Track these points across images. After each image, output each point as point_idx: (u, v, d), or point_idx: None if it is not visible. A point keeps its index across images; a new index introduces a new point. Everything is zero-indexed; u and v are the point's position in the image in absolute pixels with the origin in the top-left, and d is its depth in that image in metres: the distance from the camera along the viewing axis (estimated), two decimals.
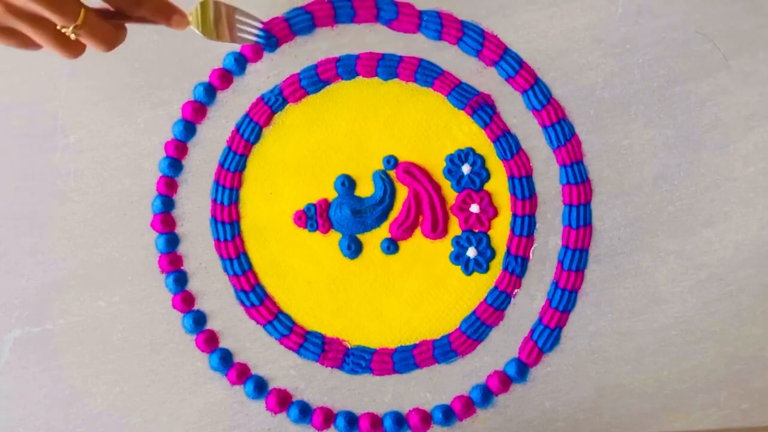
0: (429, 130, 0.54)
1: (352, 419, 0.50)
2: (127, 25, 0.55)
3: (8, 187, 0.53)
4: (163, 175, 0.53)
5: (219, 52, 0.54)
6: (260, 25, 0.52)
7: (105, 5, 0.40)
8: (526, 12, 0.55)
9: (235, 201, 0.53)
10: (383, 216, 0.53)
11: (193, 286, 0.52)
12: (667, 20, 0.56)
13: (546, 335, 0.52)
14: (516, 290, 0.52)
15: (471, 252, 0.52)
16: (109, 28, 0.39)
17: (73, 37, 0.38)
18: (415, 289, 0.52)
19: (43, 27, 0.37)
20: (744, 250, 0.53)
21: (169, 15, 0.41)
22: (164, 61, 0.54)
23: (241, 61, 0.54)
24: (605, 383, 0.51)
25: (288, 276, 0.52)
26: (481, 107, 0.54)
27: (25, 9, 0.35)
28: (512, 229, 0.53)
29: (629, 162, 0.54)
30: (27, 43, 0.39)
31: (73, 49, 0.39)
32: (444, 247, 0.53)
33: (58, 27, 0.37)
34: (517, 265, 0.53)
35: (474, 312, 0.52)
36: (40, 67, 0.54)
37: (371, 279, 0.52)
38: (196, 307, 0.52)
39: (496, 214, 0.53)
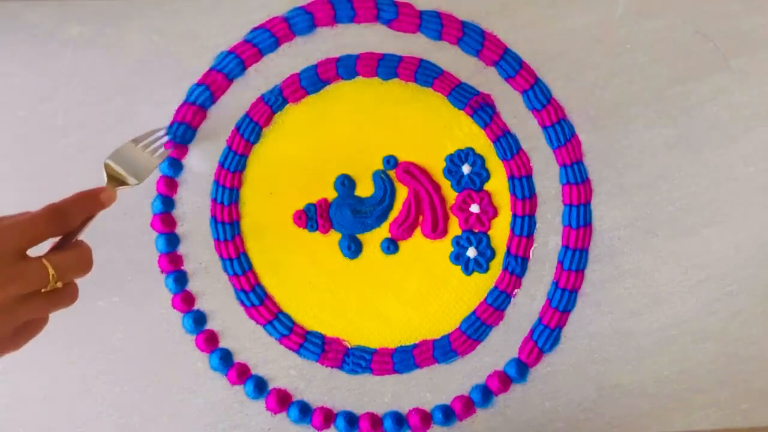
0: (429, 130, 0.54)
1: (352, 419, 0.50)
2: (126, 23, 0.55)
3: (8, 187, 0.53)
4: (163, 175, 0.53)
5: (216, 53, 0.54)
6: (164, 133, 0.52)
7: (46, 241, 0.39)
8: (526, 12, 0.55)
9: (235, 201, 0.53)
10: (383, 216, 0.53)
11: (193, 286, 0.52)
12: (667, 20, 0.56)
13: (546, 335, 0.52)
14: (516, 290, 0.53)
15: (471, 252, 0.52)
16: (75, 252, 0.39)
17: (60, 285, 0.37)
18: (415, 289, 0.52)
19: (36, 299, 0.36)
20: (744, 250, 0.53)
21: (97, 199, 0.41)
22: (164, 61, 0.54)
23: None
24: (605, 383, 0.51)
25: (288, 276, 0.52)
26: (481, 107, 0.54)
27: (10, 298, 0.35)
28: (512, 229, 0.53)
29: (629, 162, 0.54)
30: (38, 324, 0.38)
31: (70, 293, 0.39)
32: (444, 247, 0.53)
33: (42, 290, 0.37)
34: (517, 265, 0.53)
35: (474, 312, 0.52)
36: (40, 67, 0.54)
37: (371, 279, 0.52)
38: (196, 307, 0.52)
39: (496, 214, 0.53)
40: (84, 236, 0.53)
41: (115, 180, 0.45)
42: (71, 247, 0.39)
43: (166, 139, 0.51)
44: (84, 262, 0.39)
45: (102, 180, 0.45)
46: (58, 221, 0.39)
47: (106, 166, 0.45)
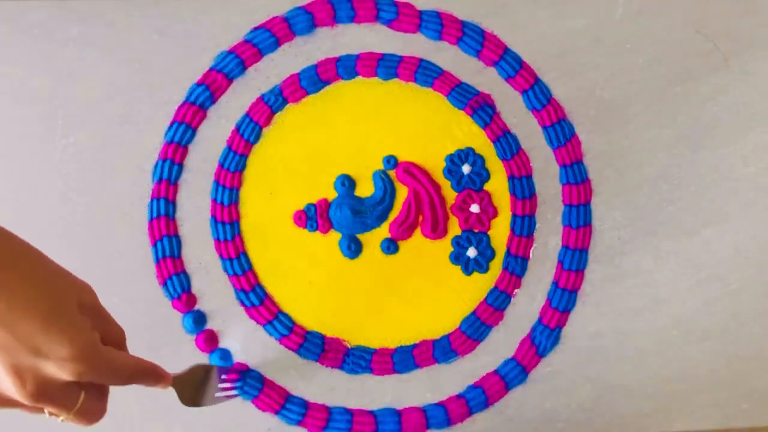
0: (429, 130, 0.54)
1: (350, 418, 0.50)
2: (126, 23, 0.55)
3: (8, 187, 0.53)
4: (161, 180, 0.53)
5: (216, 53, 0.54)
6: (238, 381, 0.50)
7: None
8: (526, 12, 0.55)
9: (235, 201, 0.53)
10: (383, 216, 0.53)
11: (193, 286, 0.52)
12: (667, 20, 0.56)
13: (546, 335, 0.52)
14: (516, 290, 0.53)
15: (471, 252, 0.52)
16: (101, 407, 0.36)
17: (60, 420, 0.34)
18: (415, 289, 0.52)
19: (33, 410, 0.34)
20: (744, 250, 0.53)
21: (157, 381, 0.40)
22: (164, 61, 0.54)
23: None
24: (605, 383, 0.51)
25: (288, 276, 0.52)
26: (481, 107, 0.54)
27: (27, 393, 0.32)
28: (512, 229, 0.53)
29: (629, 162, 0.54)
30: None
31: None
32: (444, 247, 0.53)
33: (47, 414, 0.34)
34: (517, 265, 0.53)
35: (474, 312, 0.52)
36: (40, 67, 0.54)
37: (371, 279, 0.52)
38: (196, 307, 0.52)
39: (496, 214, 0.53)
40: (84, 236, 0.53)
41: (179, 382, 0.43)
42: (102, 398, 0.36)
43: (235, 392, 0.50)
44: (101, 413, 0.36)
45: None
46: (125, 379, 0.37)
47: (180, 378, 0.43)
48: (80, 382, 0.33)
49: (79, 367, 0.32)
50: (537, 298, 0.52)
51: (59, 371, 0.32)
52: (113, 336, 0.38)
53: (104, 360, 0.34)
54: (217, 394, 0.47)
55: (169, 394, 0.50)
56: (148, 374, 0.39)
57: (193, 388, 0.45)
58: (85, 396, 0.34)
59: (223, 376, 0.48)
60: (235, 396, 0.50)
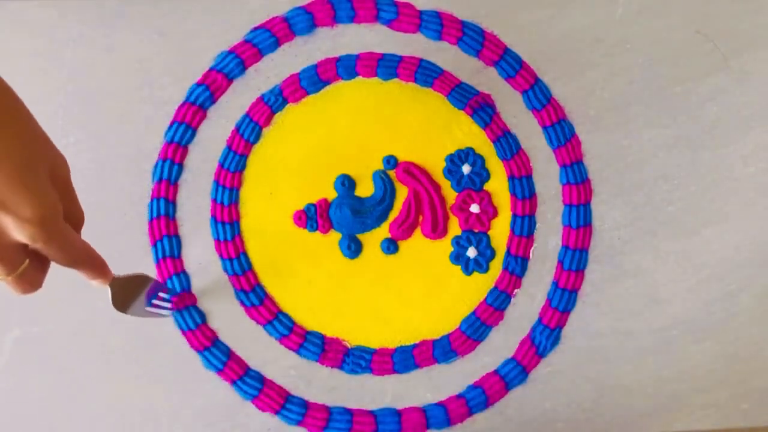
0: (429, 130, 0.54)
1: (350, 418, 0.50)
2: (126, 23, 0.55)
3: None
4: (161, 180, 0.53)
5: (216, 53, 0.54)
6: (170, 301, 0.50)
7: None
8: (526, 12, 0.55)
9: (235, 201, 0.53)
10: (383, 216, 0.53)
11: (193, 286, 0.52)
12: (667, 20, 0.56)
13: (546, 335, 0.52)
14: (516, 290, 0.53)
15: (471, 252, 0.52)
16: (40, 279, 0.35)
17: None
18: (415, 289, 0.52)
19: None
20: (744, 250, 0.53)
21: (98, 274, 0.39)
22: (164, 61, 0.54)
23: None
24: (605, 383, 0.51)
25: (288, 276, 0.52)
26: (481, 107, 0.54)
27: None
28: (512, 229, 0.53)
29: (629, 162, 0.54)
30: None
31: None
32: (444, 247, 0.53)
33: None
34: (517, 265, 0.53)
35: (474, 312, 0.52)
36: (40, 67, 0.54)
37: (371, 279, 0.52)
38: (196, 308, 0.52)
39: (496, 214, 0.53)
40: (84, 236, 0.53)
41: (117, 284, 0.43)
42: (42, 272, 0.36)
43: (168, 312, 0.50)
44: (39, 284, 0.36)
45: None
46: (80, 263, 0.37)
47: (119, 280, 0.43)
48: (28, 248, 0.33)
49: (37, 231, 0.31)
50: (537, 298, 0.52)
51: (15, 230, 0.31)
52: (74, 216, 0.37)
53: (61, 233, 0.33)
54: (149, 308, 0.47)
55: (172, 394, 0.51)
56: (94, 264, 0.38)
57: (127, 294, 0.45)
58: (28, 264, 0.33)
59: (162, 294, 0.48)
60: (166, 315, 0.49)
